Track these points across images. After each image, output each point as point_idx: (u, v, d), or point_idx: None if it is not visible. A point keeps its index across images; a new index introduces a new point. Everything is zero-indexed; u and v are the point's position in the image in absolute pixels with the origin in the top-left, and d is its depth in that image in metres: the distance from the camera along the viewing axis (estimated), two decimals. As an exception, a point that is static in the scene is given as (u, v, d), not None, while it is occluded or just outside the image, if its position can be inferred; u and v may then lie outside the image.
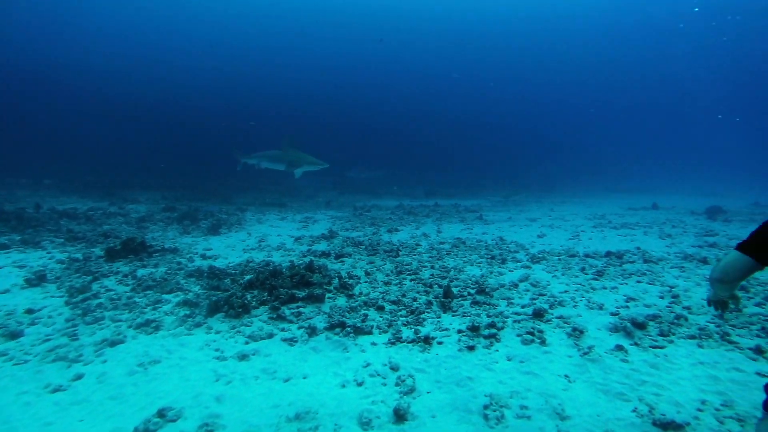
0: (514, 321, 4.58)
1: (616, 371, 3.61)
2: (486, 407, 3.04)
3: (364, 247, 8.16)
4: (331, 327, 4.45)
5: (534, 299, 5.29)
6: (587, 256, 7.61)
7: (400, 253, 7.72)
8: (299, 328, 4.50)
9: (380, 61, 59.45)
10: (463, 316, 4.75)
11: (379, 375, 3.57)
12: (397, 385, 3.40)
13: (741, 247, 2.06)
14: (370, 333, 4.36)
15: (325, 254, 7.56)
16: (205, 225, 9.96)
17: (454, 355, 3.90)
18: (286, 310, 4.86)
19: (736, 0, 40.43)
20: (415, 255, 7.62)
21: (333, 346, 4.13)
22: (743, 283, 5.69)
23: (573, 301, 5.24)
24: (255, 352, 3.92)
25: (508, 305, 5.11)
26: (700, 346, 4.06)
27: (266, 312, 4.83)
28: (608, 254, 7.59)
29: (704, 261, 7.13)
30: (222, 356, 3.84)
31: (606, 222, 12.04)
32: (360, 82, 60.19)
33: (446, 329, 4.42)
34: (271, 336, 4.30)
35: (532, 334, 4.22)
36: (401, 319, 4.70)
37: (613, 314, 4.83)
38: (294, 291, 5.28)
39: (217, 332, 4.34)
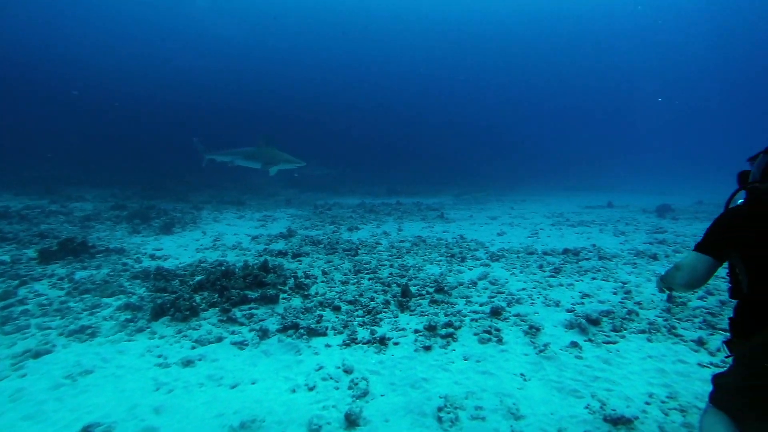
0: (472, 320, 4.54)
1: (571, 368, 3.61)
2: (440, 409, 2.96)
3: (323, 245, 7.99)
4: (283, 329, 4.28)
5: (492, 297, 5.29)
6: (545, 253, 7.73)
7: (360, 251, 7.60)
8: (250, 330, 4.30)
9: (346, 59, 59.17)
10: (421, 315, 4.68)
11: (331, 378, 3.44)
12: (350, 388, 3.28)
13: (699, 247, 2.09)
14: (324, 334, 4.22)
15: (282, 253, 7.34)
16: (158, 224, 9.49)
17: (410, 355, 3.81)
18: (237, 312, 4.64)
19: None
20: (374, 254, 7.51)
21: (285, 349, 3.95)
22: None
23: (530, 299, 5.27)
24: (201, 358, 3.70)
25: (466, 303, 5.07)
26: (650, 340, 4.14)
27: (216, 314, 4.60)
28: (565, 251, 7.74)
29: (654, 257, 7.38)
30: (165, 363, 3.59)
31: (564, 220, 12.35)
32: (321, 79, 59.65)
33: (403, 329, 4.33)
34: (220, 340, 4.08)
35: (489, 332, 4.19)
36: (358, 319, 4.58)
37: (569, 311, 4.88)
38: (247, 292, 5.06)
39: (162, 337, 4.07)
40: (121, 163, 24.15)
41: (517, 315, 4.70)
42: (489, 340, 4.08)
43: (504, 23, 53.03)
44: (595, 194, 20.62)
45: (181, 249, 7.72)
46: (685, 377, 3.48)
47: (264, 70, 57.22)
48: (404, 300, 4.97)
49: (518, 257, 7.36)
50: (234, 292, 4.96)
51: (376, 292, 5.39)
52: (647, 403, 3.11)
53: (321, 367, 3.60)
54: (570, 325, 4.42)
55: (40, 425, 2.79)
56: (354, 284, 5.72)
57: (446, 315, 4.63)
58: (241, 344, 3.99)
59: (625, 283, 5.92)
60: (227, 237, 9.01)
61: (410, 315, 4.71)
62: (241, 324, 4.45)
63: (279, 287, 5.37)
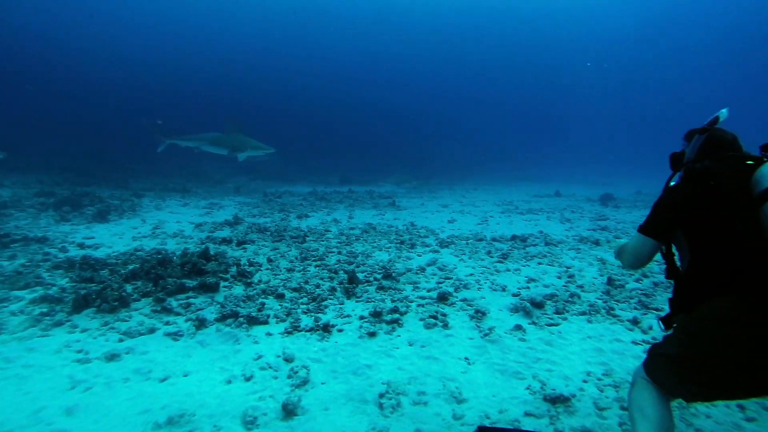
0: (419, 305, 4.50)
1: (514, 351, 3.64)
2: (382, 396, 2.88)
3: (269, 233, 7.72)
4: (222, 318, 4.06)
5: (440, 283, 5.27)
6: (494, 240, 7.84)
7: (308, 239, 7.40)
8: (187, 320, 4.05)
9: (302, 47, 57.76)
10: (367, 301, 4.58)
11: (270, 367, 3.28)
12: (289, 377, 3.14)
13: (642, 229, 2.12)
14: (266, 323, 4.04)
15: (226, 241, 7.02)
16: (91, 212, 8.83)
17: (354, 342, 3.71)
18: (173, 302, 4.37)
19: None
20: (323, 241, 7.34)
21: (223, 338, 3.75)
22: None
23: (478, 284, 5.30)
24: (129, 351, 3.42)
25: (414, 289, 5.03)
26: (589, 321, 4.25)
27: (149, 305, 4.30)
28: (513, 238, 7.88)
29: (597, 243, 7.66)
30: (85, 358, 3.30)
31: (513, 208, 12.63)
32: (275, 66, 57.96)
33: (348, 316, 4.22)
34: (152, 331, 3.81)
35: (435, 317, 4.16)
36: (302, 306, 4.42)
37: (514, 295, 4.93)
38: (184, 281, 4.78)
39: (84, 331, 3.74)
40: (50, 147, 22.31)
41: (464, 300, 4.70)
42: (435, 325, 4.05)
43: (456, 12, 53.49)
44: (544, 184, 21.30)
45: (115, 237, 7.21)
46: (620, 355, 3.60)
47: (216, 53, 54.85)
48: (351, 287, 4.86)
49: (467, 244, 7.42)
50: (170, 281, 4.66)
51: (322, 279, 5.25)
52: (585, 381, 3.18)
53: (260, 357, 3.43)
54: (515, 309, 4.47)
55: None
56: (300, 272, 5.54)
57: (393, 301, 4.57)
58: (175, 335, 3.75)
59: (569, 267, 6.08)
60: (169, 225, 8.53)
61: (356, 302, 4.60)
62: (177, 314, 4.18)
63: (220, 275, 5.11)
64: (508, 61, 62.60)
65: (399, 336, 3.85)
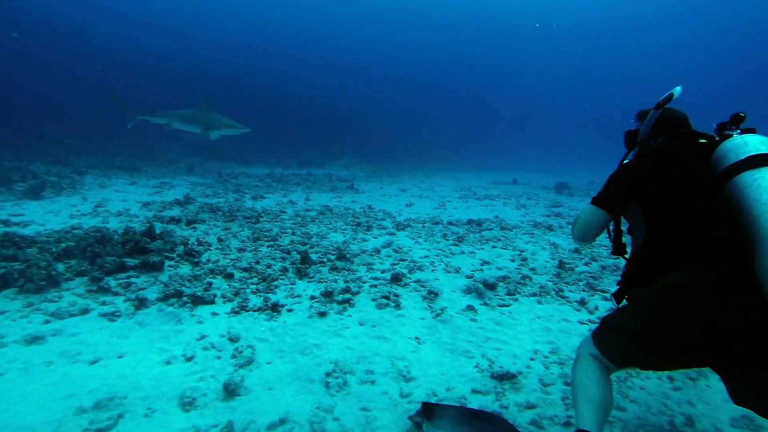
0: (371, 286, 4.45)
1: (465, 330, 3.65)
2: (328, 375, 2.81)
3: (222, 213, 7.43)
4: (165, 297, 3.85)
5: (395, 265, 5.24)
6: (450, 223, 7.89)
7: (261, 219, 7.18)
8: (126, 300, 3.82)
9: (259, 28, 55.85)
10: (320, 282, 4.48)
11: (214, 347, 3.13)
12: (233, 357, 3.01)
13: (595, 200, 2.14)
14: (212, 302, 3.87)
15: (174, 220, 6.69)
16: (22, 188, 8.18)
17: (303, 322, 3.61)
18: (111, 281, 4.10)
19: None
20: (277, 222, 7.14)
21: (165, 318, 3.56)
22: (577, 245, 6.33)
23: (432, 266, 5.30)
24: (56, 333, 3.18)
25: (368, 270, 4.97)
26: (540, 302, 4.34)
27: (84, 284, 4.02)
28: (470, 222, 7.96)
29: (550, 228, 7.87)
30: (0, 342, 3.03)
31: (471, 194, 12.79)
32: (237, 47, 55.92)
33: (299, 296, 4.11)
34: (85, 312, 3.55)
35: (387, 298, 4.11)
36: (251, 286, 4.27)
37: (468, 277, 4.97)
38: (126, 259, 4.50)
39: (2, 313, 3.43)
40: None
41: (418, 281, 4.69)
42: (387, 305, 4.01)
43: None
44: (502, 172, 21.75)
45: (50, 215, 6.72)
46: (567, 334, 3.68)
47: (168, 28, 52.16)
48: (303, 267, 4.74)
49: (424, 227, 7.43)
50: (109, 259, 4.37)
51: (274, 259, 5.09)
52: (532, 359, 3.23)
53: (203, 337, 3.27)
54: (468, 291, 4.50)
55: None
56: (251, 252, 5.36)
57: (346, 282, 4.49)
58: (111, 315, 3.52)
59: (522, 251, 6.19)
60: (113, 203, 8.05)
61: (308, 282, 4.50)
62: (116, 294, 3.93)
63: (165, 254, 4.85)
64: (470, 53, 63.16)
65: (350, 316, 3.78)
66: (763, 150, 1.75)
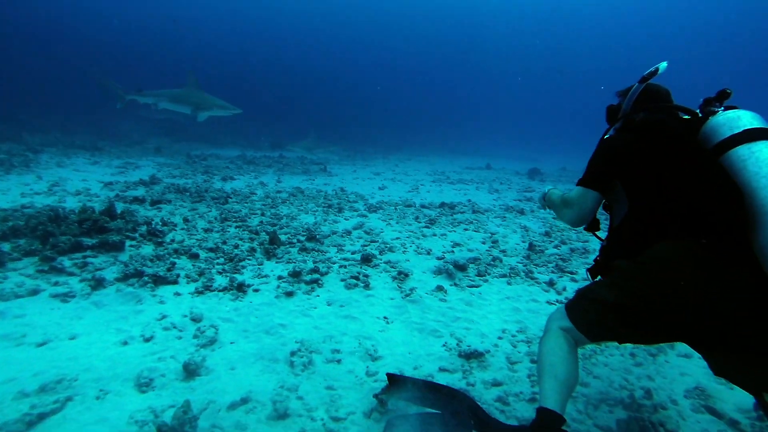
0: (341, 266, 4.38)
1: (434, 310, 3.63)
2: (293, 354, 2.73)
3: (189, 194, 7.18)
4: (124, 277, 3.69)
5: (365, 246, 5.17)
6: (423, 206, 7.86)
7: (230, 200, 6.98)
8: (81, 281, 3.63)
9: (230, 8, 54.03)
10: (288, 262, 4.38)
11: (175, 327, 3.02)
12: (195, 337, 2.90)
13: (583, 182, 2.04)
14: (175, 282, 3.73)
15: (138, 200, 6.43)
16: (-32, 164, 7.70)
17: (270, 302, 3.52)
18: (65, 261, 3.90)
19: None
20: (247, 203, 6.96)
21: (124, 299, 3.40)
22: (547, 229, 6.41)
23: (403, 247, 5.26)
24: None
25: (338, 251, 4.89)
26: (509, 283, 4.36)
27: (35, 264, 3.80)
28: (442, 205, 7.96)
29: (522, 212, 7.94)
30: (-67, 326, 2.82)
31: (445, 178, 12.81)
32: (211, 27, 54.02)
33: (266, 276, 4.00)
34: (35, 293, 3.36)
35: (356, 278, 4.05)
36: (217, 267, 4.14)
37: (439, 258, 4.95)
38: (82, 239, 4.28)
39: (-65, 294, 3.21)
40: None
41: (388, 262, 4.64)
42: (356, 285, 3.95)
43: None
44: (476, 158, 21.87)
45: (-1, 194, 6.35)
46: (535, 314, 3.71)
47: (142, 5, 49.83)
48: (272, 248, 4.62)
49: (396, 209, 7.38)
50: (63, 239, 4.15)
51: (242, 239, 4.95)
52: (500, 338, 3.24)
53: (164, 317, 3.15)
54: (438, 271, 4.48)
55: None
56: (218, 232, 5.19)
57: (315, 262, 4.40)
58: (65, 296, 3.34)
59: (493, 233, 6.22)
60: (71, 183, 7.67)
61: (276, 262, 4.39)
62: (70, 274, 3.74)
63: (126, 234, 4.65)
64: (446, 41, 63.04)
65: (318, 296, 3.71)
66: (756, 124, 1.73)
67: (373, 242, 5.32)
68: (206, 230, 5.23)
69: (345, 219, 6.47)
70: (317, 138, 14.31)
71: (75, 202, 6.21)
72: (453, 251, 5.30)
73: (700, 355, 1.77)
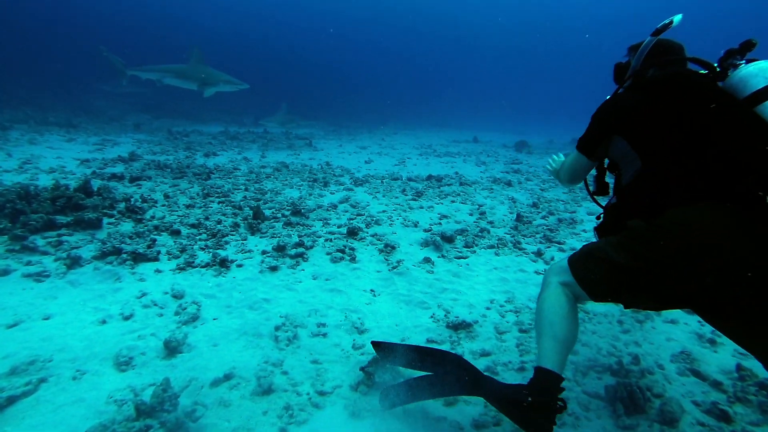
0: (326, 240, 4.29)
1: (421, 282, 3.59)
2: (278, 328, 2.67)
3: (170, 170, 6.98)
4: (102, 255, 3.56)
5: (352, 219, 5.09)
6: (410, 179, 7.77)
7: (212, 176, 6.81)
8: (56, 260, 3.50)
9: None
10: (272, 237, 4.29)
11: (156, 305, 2.93)
12: (177, 314, 2.82)
13: (580, 147, 2.06)
14: (155, 259, 3.62)
15: (117, 177, 6.23)
16: (-65, 142, 7.35)
17: (254, 277, 3.44)
18: (38, 240, 3.75)
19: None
20: (230, 178, 6.79)
21: (101, 277, 3.29)
22: (534, 200, 6.38)
23: (390, 220, 5.19)
24: (-32, 295, 2.86)
25: (323, 225, 4.80)
26: (497, 254, 4.33)
27: (4, 244, 3.64)
28: (429, 178, 7.87)
29: (509, 183, 7.90)
30: None
31: (431, 151, 12.68)
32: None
33: (250, 251, 3.91)
34: (5, 273, 3.23)
35: (342, 251, 3.98)
36: (200, 243, 4.03)
37: (426, 230, 4.89)
38: (56, 217, 4.12)
39: None
40: None
41: (374, 235, 4.57)
42: (342, 259, 3.88)
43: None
44: (463, 131, 21.70)
45: (-35, 171, 6.09)
46: (523, 284, 3.70)
47: None
48: (255, 222, 4.51)
49: (382, 182, 7.28)
50: (35, 217, 3.98)
51: (225, 215, 4.82)
52: (488, 309, 3.21)
53: (144, 294, 3.06)
54: (425, 243, 4.43)
55: None
56: (200, 208, 5.06)
57: (300, 236, 4.31)
58: (38, 276, 3.21)
59: (481, 205, 6.17)
60: (45, 160, 7.40)
61: (260, 237, 4.29)
62: (44, 253, 3.60)
63: (104, 211, 4.49)
64: (433, 15, 61.77)
65: (303, 270, 3.63)
66: None
67: (359, 216, 5.24)
68: (188, 206, 5.09)
69: (331, 193, 6.36)
70: (289, 112, 13.93)
71: (49, 180, 5.97)
72: (440, 223, 5.24)
73: (692, 321, 1.73)
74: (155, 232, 4.19)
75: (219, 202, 5.33)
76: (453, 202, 6.34)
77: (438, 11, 61.45)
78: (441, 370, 2.02)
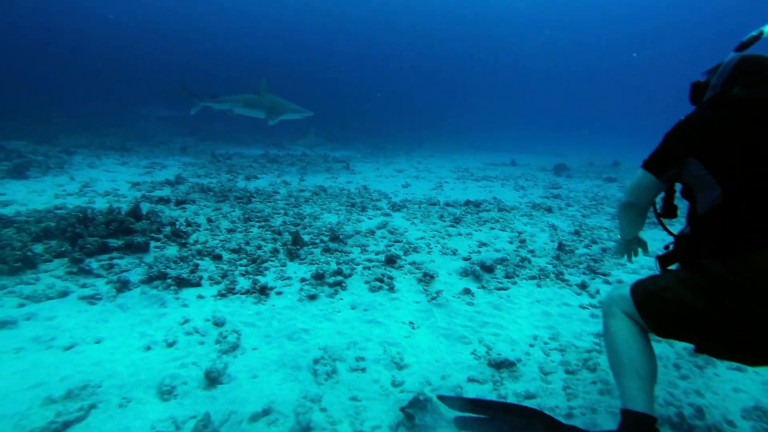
0: (365, 268, 4.28)
1: (461, 315, 3.50)
2: (317, 362, 2.66)
3: (213, 193, 7.22)
4: (149, 279, 3.69)
5: (389, 246, 5.07)
6: (447, 204, 7.71)
7: (253, 199, 6.98)
8: (108, 282, 3.65)
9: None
10: (311, 264, 4.32)
11: (197, 332, 2.98)
12: (217, 342, 2.86)
13: (644, 163, 1.88)
14: (198, 285, 3.70)
15: (163, 200, 6.49)
16: (6, 167, 7.92)
17: (293, 305, 3.45)
18: (93, 263, 3.93)
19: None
20: (270, 202, 6.94)
21: (148, 301, 3.40)
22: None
23: (428, 247, 5.13)
24: (30, 317, 3.01)
25: (361, 252, 4.80)
26: (539, 286, 4.19)
27: (64, 266, 3.84)
28: (467, 203, 7.78)
29: (549, 209, 7.70)
30: (-34, 328, 2.85)
31: (468, 174, 12.58)
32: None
33: (289, 278, 3.94)
34: (64, 294, 3.39)
35: (381, 280, 3.95)
36: (240, 268, 4.10)
37: (465, 259, 4.80)
38: (109, 240, 4.32)
39: (-28, 297, 3.26)
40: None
41: (413, 263, 4.53)
42: (380, 288, 3.85)
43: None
44: (500, 153, 21.46)
45: (33, 195, 6.50)
46: (567, 318, 3.54)
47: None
48: (294, 248, 4.56)
49: (420, 208, 7.25)
50: (91, 240, 4.18)
51: (264, 240, 4.91)
52: (531, 345, 3.09)
53: (187, 321, 3.12)
54: (465, 273, 4.34)
55: None
56: (241, 232, 5.17)
57: (338, 263, 4.32)
58: (91, 298, 3.35)
59: (521, 232, 6.03)
60: (101, 183, 7.83)
61: (299, 264, 4.33)
62: (97, 276, 3.76)
63: (151, 235, 4.67)
64: (466, 36, 62.35)
65: (341, 299, 3.62)
66: None
67: (397, 242, 5.22)
68: (229, 230, 5.22)
69: (368, 218, 6.38)
70: (317, 136, 14.27)
71: (104, 203, 6.30)
72: (479, 251, 5.14)
73: (763, 371, 1.59)
74: (198, 257, 4.30)
75: (259, 227, 5.44)
76: (492, 228, 6.22)
77: (471, 33, 61.94)
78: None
